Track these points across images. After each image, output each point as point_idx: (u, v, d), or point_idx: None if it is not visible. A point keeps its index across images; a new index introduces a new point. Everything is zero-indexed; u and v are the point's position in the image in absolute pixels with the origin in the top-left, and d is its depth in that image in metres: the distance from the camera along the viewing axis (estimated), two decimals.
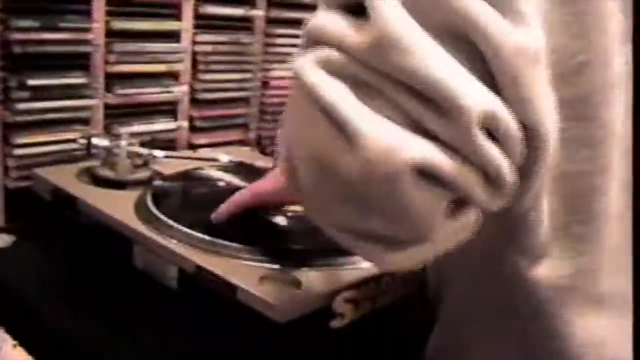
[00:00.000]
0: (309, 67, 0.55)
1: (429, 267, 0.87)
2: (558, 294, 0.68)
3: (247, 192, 1.02)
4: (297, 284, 0.86)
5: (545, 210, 0.66)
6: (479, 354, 0.79)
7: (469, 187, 0.52)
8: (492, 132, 0.50)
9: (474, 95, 0.50)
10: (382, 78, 0.52)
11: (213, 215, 1.03)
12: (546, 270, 0.68)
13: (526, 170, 0.54)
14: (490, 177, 0.52)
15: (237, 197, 1.02)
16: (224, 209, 1.02)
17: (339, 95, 0.53)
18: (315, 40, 0.56)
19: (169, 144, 1.49)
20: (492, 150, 0.50)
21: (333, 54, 0.54)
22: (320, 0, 0.58)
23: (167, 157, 1.29)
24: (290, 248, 0.96)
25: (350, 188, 0.53)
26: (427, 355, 0.87)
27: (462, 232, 0.57)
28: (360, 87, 0.53)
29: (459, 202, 0.54)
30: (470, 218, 0.56)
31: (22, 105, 1.25)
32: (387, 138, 0.51)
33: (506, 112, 0.50)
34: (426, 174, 0.51)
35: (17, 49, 1.22)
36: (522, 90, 0.51)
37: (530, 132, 0.52)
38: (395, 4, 0.51)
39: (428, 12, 0.51)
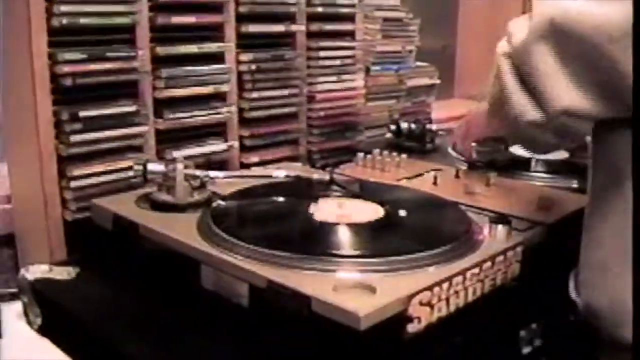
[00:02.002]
0: None
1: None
2: None
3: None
4: (372, 289, 0.85)
5: None
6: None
7: None
8: None
9: None
10: None
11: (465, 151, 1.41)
12: None
13: None
14: None
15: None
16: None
17: None
18: None
19: (221, 165, 1.49)
20: None
21: None
22: None
23: (224, 177, 1.29)
24: (360, 254, 0.95)
25: None
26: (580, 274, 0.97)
27: None
28: None
29: None
30: None
31: (75, 137, 1.25)
32: None
33: None
34: None
35: (66, 82, 1.23)
36: None
37: None
38: None
39: None
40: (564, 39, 0.79)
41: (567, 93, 0.80)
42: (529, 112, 0.83)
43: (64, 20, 1.22)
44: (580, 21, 0.76)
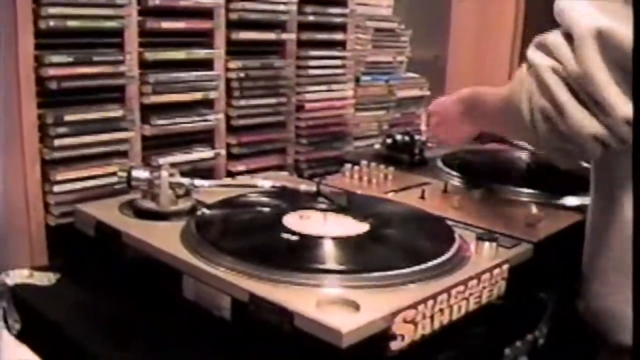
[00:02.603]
0: None
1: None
2: None
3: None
4: (356, 306, 0.84)
5: None
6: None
7: None
8: None
9: None
10: None
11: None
12: None
13: None
14: None
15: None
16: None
17: None
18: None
19: (207, 173, 1.48)
20: None
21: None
22: None
23: (209, 186, 1.27)
24: (344, 270, 0.94)
25: None
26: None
27: None
28: None
29: None
30: None
31: (59, 141, 1.24)
32: None
33: None
34: None
35: (52, 85, 1.22)
36: None
37: None
38: None
39: None
40: (610, 48, 0.82)
41: (624, 102, 0.83)
42: (591, 125, 0.86)
43: (52, 23, 1.20)
44: (620, 31, 0.81)
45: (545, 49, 0.91)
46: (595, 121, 0.86)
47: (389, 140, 1.72)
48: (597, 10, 0.84)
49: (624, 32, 0.80)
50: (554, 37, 0.90)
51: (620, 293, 0.93)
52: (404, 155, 1.69)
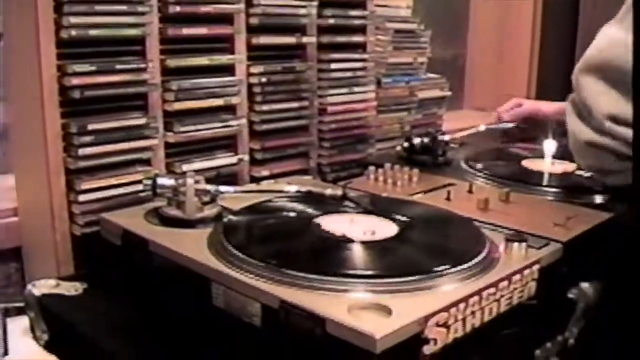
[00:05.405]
0: None
1: None
2: None
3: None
4: (388, 310, 0.83)
5: None
6: None
7: None
8: None
9: None
10: None
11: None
12: None
13: None
14: None
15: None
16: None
17: None
18: None
19: (231, 179, 1.48)
20: None
21: None
22: None
23: (234, 192, 1.27)
24: (376, 274, 0.93)
25: None
26: None
27: None
28: None
29: None
30: None
31: (84, 151, 1.24)
32: None
33: None
34: None
35: (75, 94, 1.22)
36: None
37: None
38: None
39: None
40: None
41: (603, 99, 0.90)
42: (581, 131, 0.96)
43: (73, 32, 1.20)
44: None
45: None
46: (584, 126, 0.92)
47: (412, 142, 1.71)
48: None
49: None
50: None
51: None
52: (427, 157, 1.68)
